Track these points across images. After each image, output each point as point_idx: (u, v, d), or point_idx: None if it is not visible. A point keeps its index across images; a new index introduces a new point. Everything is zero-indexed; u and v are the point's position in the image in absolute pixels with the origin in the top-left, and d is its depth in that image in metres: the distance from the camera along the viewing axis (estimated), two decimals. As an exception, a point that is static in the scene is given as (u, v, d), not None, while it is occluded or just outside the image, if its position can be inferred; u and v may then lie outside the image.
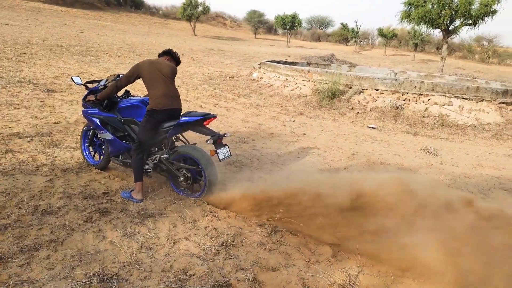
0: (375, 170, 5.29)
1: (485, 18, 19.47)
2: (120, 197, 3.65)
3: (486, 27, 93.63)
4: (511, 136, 8.38)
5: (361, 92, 9.94)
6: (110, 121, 3.98)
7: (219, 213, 3.51)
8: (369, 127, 8.23)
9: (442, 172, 5.45)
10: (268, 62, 13.07)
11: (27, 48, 14.11)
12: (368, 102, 9.63)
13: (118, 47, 20.05)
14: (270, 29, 66.01)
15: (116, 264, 2.63)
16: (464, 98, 9.36)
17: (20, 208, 3.25)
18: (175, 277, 2.54)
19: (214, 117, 3.70)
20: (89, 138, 4.40)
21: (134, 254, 2.75)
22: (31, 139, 5.03)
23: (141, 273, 2.55)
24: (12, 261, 2.53)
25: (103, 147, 4.24)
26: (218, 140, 3.60)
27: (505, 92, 9.53)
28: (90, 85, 4.28)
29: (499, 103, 9.45)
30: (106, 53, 16.75)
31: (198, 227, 3.25)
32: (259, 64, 13.48)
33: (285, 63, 14.51)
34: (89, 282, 2.40)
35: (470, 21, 19.87)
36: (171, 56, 3.95)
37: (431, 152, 6.51)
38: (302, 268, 2.76)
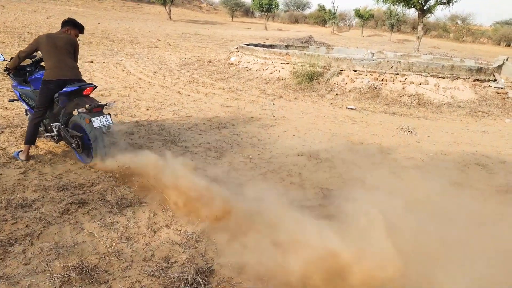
0: (355, 150, 5.34)
1: (459, -3, 19.74)
2: (97, 188, 3.57)
3: (460, 6, 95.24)
4: (485, 113, 8.59)
5: (339, 73, 9.96)
6: (24, 93, 4.33)
7: (200, 199, 3.47)
8: (348, 108, 8.28)
9: (419, 150, 5.55)
10: (246, 46, 12.90)
11: (-6, 37, 13.50)
12: (346, 83, 9.67)
13: (90, 33, 19.42)
14: (247, 12, 65.06)
15: (96, 255, 2.58)
16: (439, 77, 9.51)
17: (-8, 203, 3.13)
18: (156, 265, 2.51)
19: (91, 86, 3.94)
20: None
21: (113, 245, 2.70)
22: (2, 131, 4.84)
23: (121, 264, 2.51)
24: (-15, 258, 2.45)
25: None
26: (94, 109, 3.79)
27: (479, 70, 9.73)
28: None
29: (474, 81, 9.65)
30: (78, 40, 16.20)
31: (179, 214, 3.22)
32: (237, 48, 13.30)
33: (263, 46, 14.37)
34: (68, 275, 2.34)
35: (444, 0, 20.09)
36: (72, 25, 4.24)
37: (409, 131, 6.61)
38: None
